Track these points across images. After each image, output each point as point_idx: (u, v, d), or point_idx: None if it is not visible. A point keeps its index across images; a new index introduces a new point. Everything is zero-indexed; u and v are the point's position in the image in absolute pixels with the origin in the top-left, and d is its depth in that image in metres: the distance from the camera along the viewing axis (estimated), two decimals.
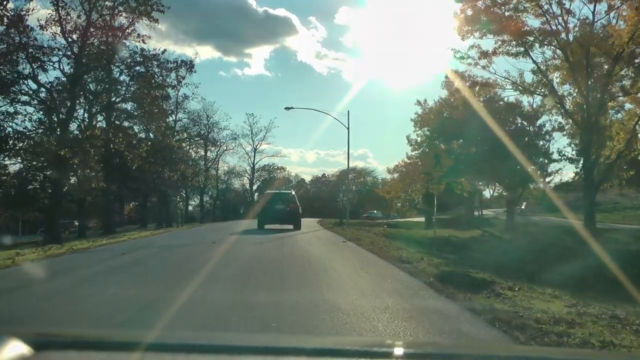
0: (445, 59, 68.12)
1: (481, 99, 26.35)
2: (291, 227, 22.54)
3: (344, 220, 29.94)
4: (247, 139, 71.81)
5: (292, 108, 31.31)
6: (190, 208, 75.28)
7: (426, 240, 18.28)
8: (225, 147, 58.68)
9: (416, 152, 32.52)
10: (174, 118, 38.50)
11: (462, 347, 3.01)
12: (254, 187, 79.99)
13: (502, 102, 27.02)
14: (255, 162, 74.96)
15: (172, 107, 37.63)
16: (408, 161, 35.28)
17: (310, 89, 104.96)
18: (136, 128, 31.94)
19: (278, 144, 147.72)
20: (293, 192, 26.31)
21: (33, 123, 26.22)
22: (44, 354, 1.73)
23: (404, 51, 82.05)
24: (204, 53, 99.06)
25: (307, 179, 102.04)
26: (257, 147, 73.72)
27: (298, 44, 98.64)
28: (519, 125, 28.76)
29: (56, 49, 24.88)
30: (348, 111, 30.86)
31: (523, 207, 43.75)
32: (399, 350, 1.96)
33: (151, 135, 32.64)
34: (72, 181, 26.87)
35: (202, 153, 52.73)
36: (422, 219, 37.17)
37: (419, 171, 29.41)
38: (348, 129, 30.44)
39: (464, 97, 25.19)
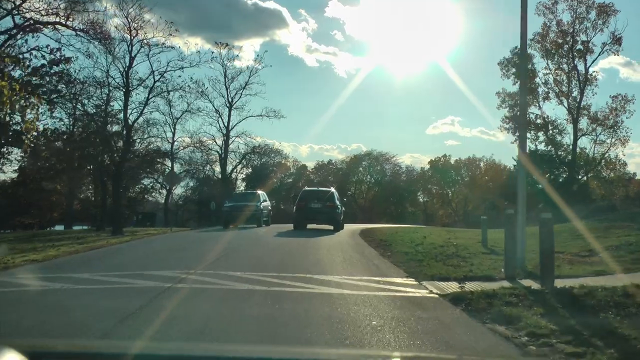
0: (439, 49, 68.25)
1: None
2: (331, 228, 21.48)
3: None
4: (218, 88, 46.37)
5: None
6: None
7: None
8: (167, 82, 30.78)
9: None
10: None
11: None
12: (236, 172, 56.61)
13: None
14: (232, 126, 48.24)
15: None
16: None
17: (301, 83, 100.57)
18: None
19: (272, 133, 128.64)
20: (332, 190, 24.24)
21: None
22: None
23: (395, 44, 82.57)
24: (194, 45, 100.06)
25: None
26: (234, 101, 46.83)
27: (288, 37, 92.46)
28: None
29: None
30: None
31: None
32: None
33: None
34: None
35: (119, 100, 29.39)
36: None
37: None
38: None
39: None
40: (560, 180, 40.14)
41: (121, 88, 28.13)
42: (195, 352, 2.15)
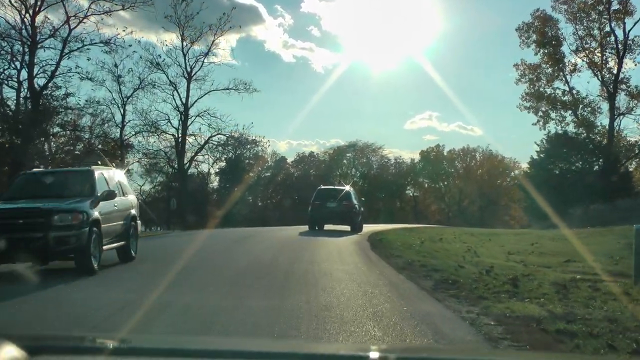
0: (416, 44, 68.67)
1: None
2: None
3: None
4: (174, 55, 38.36)
5: None
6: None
7: None
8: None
9: None
10: None
11: (441, 352, 2.97)
12: (209, 165, 49.03)
13: None
14: (191, 103, 40.00)
15: None
16: None
17: (278, 78, 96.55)
18: None
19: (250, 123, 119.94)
20: (348, 188, 23.43)
21: None
22: (38, 359, 1.69)
23: (372, 40, 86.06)
24: (169, 41, 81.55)
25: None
26: (194, 71, 39.05)
27: (265, 32, 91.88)
28: None
29: None
30: None
31: None
32: (374, 355, 1.92)
33: None
34: None
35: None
36: None
37: None
38: None
39: None
40: (596, 168, 33.70)
41: (25, 41, 20.35)
42: (193, 346, 2.16)
